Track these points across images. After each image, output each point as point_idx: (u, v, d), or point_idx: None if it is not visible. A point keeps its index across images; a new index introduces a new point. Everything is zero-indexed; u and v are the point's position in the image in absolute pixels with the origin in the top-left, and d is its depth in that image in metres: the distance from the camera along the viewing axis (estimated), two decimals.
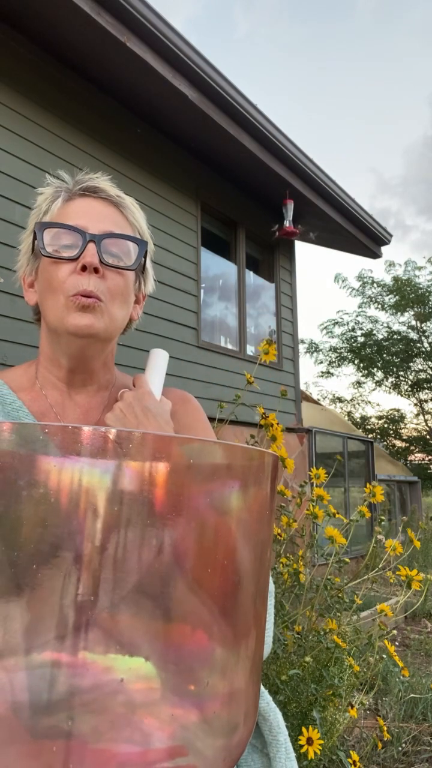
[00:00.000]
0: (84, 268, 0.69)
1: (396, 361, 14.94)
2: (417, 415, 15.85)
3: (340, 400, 17.01)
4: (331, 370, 16.39)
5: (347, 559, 2.03)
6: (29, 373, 0.78)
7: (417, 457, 15.75)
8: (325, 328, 15.91)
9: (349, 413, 16.79)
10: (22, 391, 0.75)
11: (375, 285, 14.57)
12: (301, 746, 1.48)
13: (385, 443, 15.77)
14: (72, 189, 0.75)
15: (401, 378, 15.41)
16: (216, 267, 5.13)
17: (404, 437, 15.88)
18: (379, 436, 15.83)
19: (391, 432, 16.00)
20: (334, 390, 32.72)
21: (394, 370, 15.23)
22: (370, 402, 23.00)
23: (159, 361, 0.80)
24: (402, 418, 16.02)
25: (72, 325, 0.68)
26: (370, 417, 16.56)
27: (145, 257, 0.77)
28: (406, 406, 39.78)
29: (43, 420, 0.73)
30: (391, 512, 7.89)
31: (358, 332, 15.33)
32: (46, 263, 0.71)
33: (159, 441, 0.30)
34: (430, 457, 15.53)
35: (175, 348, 4.19)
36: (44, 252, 0.70)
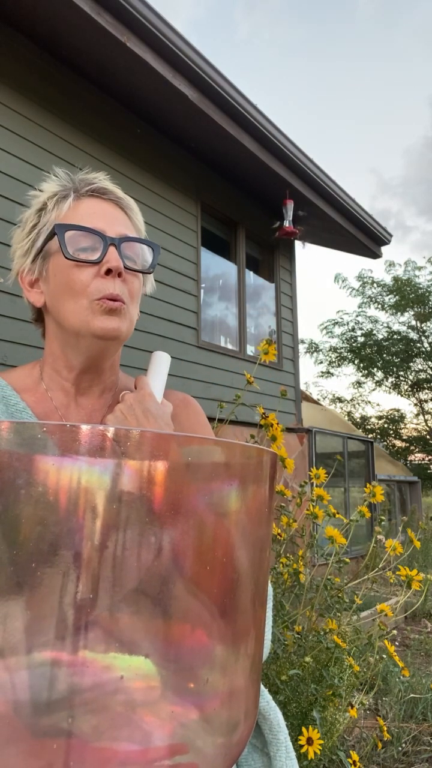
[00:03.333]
0: (108, 272, 0.69)
1: (396, 361, 14.94)
2: (417, 415, 15.86)
3: (340, 400, 17.03)
4: (331, 370, 16.41)
5: (347, 559, 2.03)
6: (33, 375, 0.77)
7: (417, 457, 15.76)
8: (325, 328, 15.93)
9: (349, 413, 16.80)
10: (25, 392, 0.75)
11: (375, 285, 14.58)
12: (301, 746, 1.48)
13: (385, 443, 15.78)
14: (79, 189, 0.74)
15: (401, 378, 15.41)
16: (216, 267, 5.14)
17: (404, 437, 15.89)
18: (379, 436, 15.83)
19: (391, 432, 16.00)
20: (334, 390, 32.75)
21: (394, 370, 15.23)
22: (370, 402, 23.03)
23: (161, 363, 0.81)
24: (402, 418, 16.02)
25: (99, 328, 0.69)
26: (370, 417, 16.58)
27: None
28: (406, 406, 39.81)
29: None
30: (391, 512, 7.89)
31: (358, 332, 15.34)
32: (63, 265, 0.70)
33: (157, 439, 0.30)
34: (430, 457, 15.53)
35: (175, 348, 4.19)
36: (68, 255, 0.68)
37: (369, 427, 16.17)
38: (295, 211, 5.14)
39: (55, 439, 0.28)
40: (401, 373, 15.27)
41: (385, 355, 14.96)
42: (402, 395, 15.51)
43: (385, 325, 14.98)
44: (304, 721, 1.67)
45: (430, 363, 14.70)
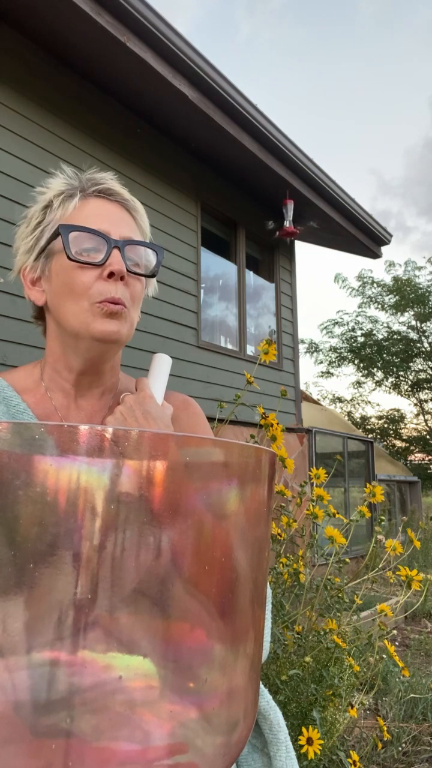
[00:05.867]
0: (111, 275, 0.68)
1: (396, 361, 14.94)
2: (417, 415, 15.86)
3: (340, 400, 17.02)
4: (331, 370, 16.41)
5: (347, 559, 2.03)
6: (34, 375, 0.77)
7: (417, 457, 15.76)
8: (325, 328, 15.92)
9: (349, 413, 16.79)
10: (26, 393, 0.75)
11: (375, 285, 14.58)
12: (301, 746, 1.48)
13: (385, 443, 15.77)
14: (86, 189, 0.74)
15: (401, 378, 15.41)
16: (216, 267, 5.14)
17: (404, 437, 15.88)
18: (379, 436, 15.83)
19: (391, 432, 16.00)
20: (334, 390, 32.75)
21: (394, 370, 15.23)
22: (370, 402, 23.00)
23: (162, 365, 0.80)
24: (402, 418, 16.02)
25: (99, 331, 0.68)
26: (370, 417, 16.57)
27: None
28: (406, 406, 39.81)
29: None
30: (391, 512, 7.89)
31: (358, 332, 15.34)
32: (66, 265, 0.69)
33: (155, 439, 0.30)
34: (430, 457, 15.53)
35: (175, 348, 4.19)
36: (71, 257, 0.68)
37: (369, 427, 16.16)
38: (294, 209, 5.14)
39: (54, 440, 0.28)
40: (401, 373, 15.26)
41: (385, 355, 14.95)
42: (402, 395, 15.51)
43: (385, 325, 14.99)
44: (304, 721, 1.67)
45: (430, 363, 14.70)
